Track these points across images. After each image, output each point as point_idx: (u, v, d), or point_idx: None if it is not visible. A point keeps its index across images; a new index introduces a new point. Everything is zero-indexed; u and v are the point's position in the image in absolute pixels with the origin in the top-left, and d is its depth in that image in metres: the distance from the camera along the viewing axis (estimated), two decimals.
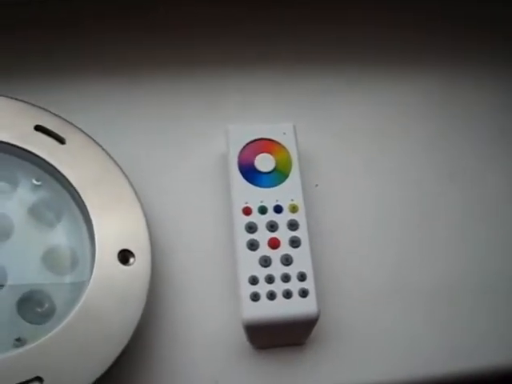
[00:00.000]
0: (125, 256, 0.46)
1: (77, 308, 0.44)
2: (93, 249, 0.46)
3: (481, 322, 0.52)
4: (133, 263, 0.46)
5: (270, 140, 0.51)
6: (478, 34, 0.64)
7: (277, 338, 0.49)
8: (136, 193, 0.49)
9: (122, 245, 0.46)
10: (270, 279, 0.46)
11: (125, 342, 0.44)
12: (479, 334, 0.52)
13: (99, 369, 0.42)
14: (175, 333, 0.49)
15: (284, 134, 0.52)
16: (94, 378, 0.42)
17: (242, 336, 0.48)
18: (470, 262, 0.55)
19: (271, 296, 0.45)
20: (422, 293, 0.53)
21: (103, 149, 0.50)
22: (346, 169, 0.57)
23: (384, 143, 0.59)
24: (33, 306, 0.46)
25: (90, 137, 0.50)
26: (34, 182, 0.49)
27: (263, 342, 0.49)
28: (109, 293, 0.45)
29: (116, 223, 0.47)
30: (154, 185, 0.53)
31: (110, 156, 0.50)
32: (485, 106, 0.62)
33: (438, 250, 0.55)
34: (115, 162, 0.50)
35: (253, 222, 0.48)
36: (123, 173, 0.49)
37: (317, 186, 0.55)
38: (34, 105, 0.50)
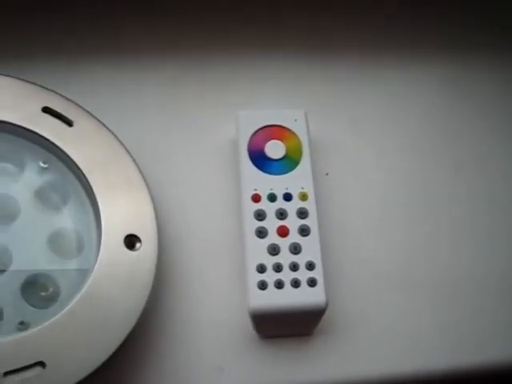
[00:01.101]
0: (131, 241, 0.45)
1: (81, 293, 0.43)
2: (99, 233, 0.45)
3: (487, 317, 0.52)
4: (139, 249, 0.45)
5: (280, 126, 0.50)
6: (488, 21, 0.63)
7: (284, 327, 0.48)
8: (144, 177, 0.48)
9: (129, 230, 0.46)
10: (278, 268, 0.45)
11: (128, 329, 0.43)
12: (485, 329, 0.51)
13: (102, 355, 0.42)
14: (181, 320, 0.49)
15: (295, 120, 0.51)
16: (96, 365, 0.41)
17: (248, 325, 0.48)
18: (477, 255, 0.54)
19: (279, 285, 0.45)
20: (428, 285, 0.52)
21: (111, 132, 0.49)
22: (356, 158, 0.56)
23: (396, 133, 0.58)
24: (37, 290, 0.45)
25: (99, 120, 0.49)
26: (41, 164, 0.48)
27: (270, 332, 0.48)
28: (114, 278, 0.44)
29: (123, 208, 0.46)
30: (162, 170, 0.53)
31: (118, 139, 0.49)
32: (498, 95, 0.61)
33: (444, 242, 0.54)
34: (123, 145, 0.49)
35: (262, 210, 0.47)
36: (131, 157, 0.49)
37: (327, 174, 0.54)
38: (42, 86, 0.49)
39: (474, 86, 0.61)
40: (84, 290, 0.43)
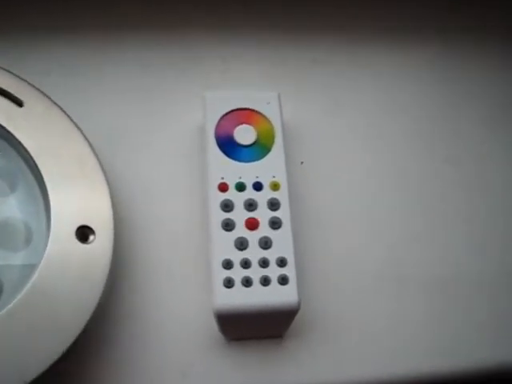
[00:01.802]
0: (84, 233, 0.42)
1: (26, 289, 0.39)
2: (48, 224, 0.41)
3: (481, 316, 0.48)
4: (92, 241, 0.41)
5: (251, 110, 0.46)
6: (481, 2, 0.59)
7: (252, 329, 0.44)
8: (100, 164, 0.44)
9: (81, 220, 0.42)
10: (245, 264, 0.41)
11: (79, 329, 0.39)
12: (478, 329, 0.48)
13: (48, 359, 0.38)
14: (140, 320, 0.45)
15: (268, 103, 0.47)
16: (42, 369, 0.38)
17: (215, 326, 0.44)
18: (470, 252, 0.50)
19: (247, 282, 0.41)
20: (416, 283, 0.48)
21: (66, 114, 0.45)
22: (335, 146, 0.52)
23: (378, 119, 0.54)
24: None
25: (52, 100, 0.45)
26: None
27: (237, 334, 0.45)
28: (64, 274, 0.40)
29: (76, 196, 0.42)
30: (123, 157, 0.49)
31: (72, 122, 0.45)
32: (488, 82, 0.57)
33: (434, 236, 0.50)
34: (79, 128, 0.45)
35: (229, 200, 0.43)
36: (87, 142, 0.45)
37: (302, 163, 0.51)
38: None
39: (470, 70, 0.57)
40: (29, 285, 0.39)
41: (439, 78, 0.56)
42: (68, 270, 0.40)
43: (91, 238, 0.41)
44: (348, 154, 0.52)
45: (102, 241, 0.41)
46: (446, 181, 0.53)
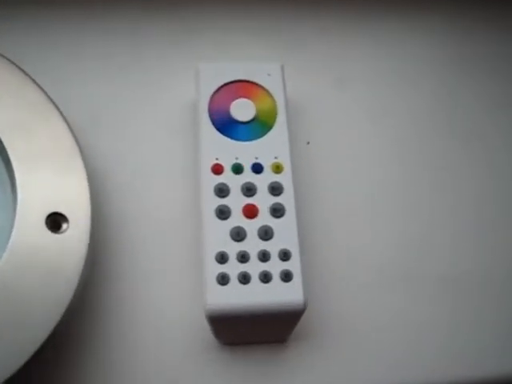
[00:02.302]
0: (55, 221, 0.36)
1: None
2: (14, 210, 0.36)
3: (495, 316, 0.43)
4: (65, 230, 0.36)
5: (250, 82, 0.41)
6: None
7: (250, 333, 0.39)
8: (77, 143, 0.39)
9: (53, 207, 0.36)
10: (243, 257, 0.36)
11: (48, 330, 0.34)
12: (492, 330, 0.42)
13: (13, 365, 0.33)
14: (122, 322, 0.40)
15: (268, 75, 0.41)
16: (6, 375, 0.32)
17: (207, 328, 0.38)
18: (483, 243, 0.45)
19: (244, 279, 0.36)
20: (427, 281, 0.43)
21: (38, 86, 0.40)
22: (345, 124, 0.47)
23: (390, 95, 0.49)
24: None
25: (22, 69, 0.40)
26: None
27: (232, 338, 0.39)
28: (30, 267, 0.35)
29: (47, 179, 0.37)
30: (104, 136, 0.44)
31: (46, 94, 0.39)
32: (505, 55, 0.51)
33: (447, 229, 0.45)
34: (54, 104, 0.39)
35: (224, 184, 0.38)
36: (63, 117, 0.39)
37: (308, 143, 0.45)
38: None
39: (485, 41, 0.52)
40: None
41: (452, 53, 0.51)
42: (36, 263, 0.35)
43: (64, 226, 0.36)
44: (359, 133, 0.47)
45: (77, 230, 0.36)
46: (457, 161, 0.47)
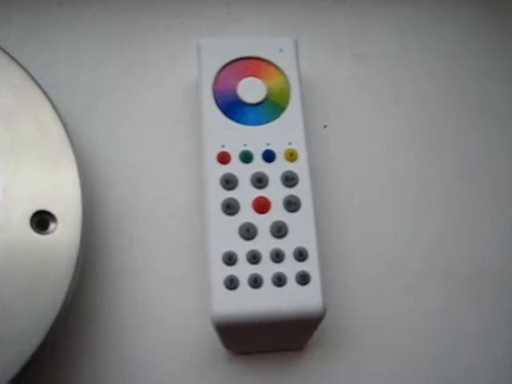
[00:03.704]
0: (42, 220, 0.32)
1: None
2: None
3: None
4: (53, 230, 0.32)
5: (259, 59, 0.37)
6: None
7: (263, 341, 0.35)
8: (67, 132, 0.35)
9: (39, 205, 0.32)
10: (253, 257, 0.32)
11: (36, 343, 0.30)
12: None
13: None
14: (120, 331, 0.36)
15: (280, 51, 0.37)
16: None
17: (216, 337, 0.34)
18: None
19: (255, 282, 0.31)
20: (462, 279, 0.39)
21: (24, 69, 0.36)
22: (364, 105, 0.42)
23: (416, 72, 0.44)
24: None
25: (6, 51, 0.36)
26: None
27: (243, 347, 0.35)
28: (14, 271, 0.31)
29: (32, 174, 0.33)
30: (97, 123, 0.40)
31: (31, 77, 0.35)
32: None
33: (484, 219, 0.40)
34: (41, 88, 0.35)
35: (231, 174, 0.33)
36: (51, 104, 0.35)
37: (325, 127, 0.41)
38: None
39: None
40: None
41: (484, 29, 0.46)
42: (20, 268, 0.31)
43: (52, 226, 0.32)
44: (382, 115, 0.42)
45: (66, 230, 0.32)
46: (493, 146, 0.43)
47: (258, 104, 0.35)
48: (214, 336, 0.33)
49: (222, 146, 0.34)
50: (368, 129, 0.42)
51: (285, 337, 0.34)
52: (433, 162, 0.41)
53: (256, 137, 0.35)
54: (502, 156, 0.42)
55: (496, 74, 0.45)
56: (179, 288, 0.36)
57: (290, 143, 0.34)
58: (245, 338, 0.34)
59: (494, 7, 0.47)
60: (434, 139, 0.42)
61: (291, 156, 0.34)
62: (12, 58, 0.36)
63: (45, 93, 0.35)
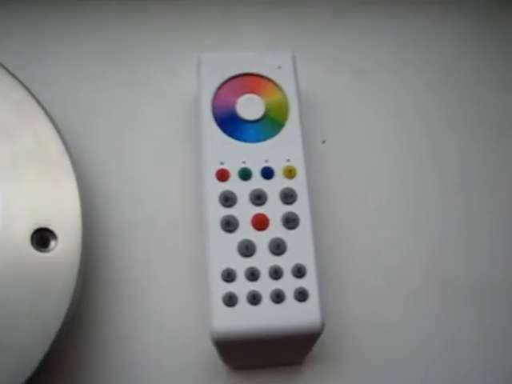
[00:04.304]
0: (43, 237, 0.33)
1: None
2: None
3: None
4: (54, 248, 0.32)
5: (258, 76, 0.37)
6: None
7: (262, 357, 0.35)
8: (66, 147, 0.35)
9: (40, 222, 0.33)
10: (252, 274, 0.32)
11: (35, 362, 0.30)
12: None
13: None
14: (119, 348, 0.36)
15: (279, 68, 0.37)
16: None
17: (215, 352, 0.34)
18: None
19: (254, 299, 0.32)
20: (462, 291, 0.39)
21: (21, 82, 0.36)
22: (364, 120, 0.42)
23: (415, 87, 0.44)
24: None
25: (4, 66, 0.36)
26: None
27: (242, 362, 0.36)
28: (14, 290, 0.31)
29: (33, 191, 0.33)
30: (96, 139, 0.40)
31: (30, 92, 0.36)
32: None
33: (483, 227, 0.41)
34: (37, 100, 0.36)
35: (230, 192, 0.34)
36: (49, 117, 0.35)
37: (323, 142, 0.41)
38: None
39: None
40: None
41: (485, 43, 0.47)
42: (21, 285, 0.31)
43: (52, 244, 0.33)
44: (381, 130, 0.42)
45: (67, 247, 0.33)
46: (493, 159, 0.43)
47: (257, 121, 0.36)
48: (213, 351, 0.34)
49: (221, 163, 0.34)
50: (366, 144, 0.42)
51: (284, 352, 0.35)
52: (432, 174, 0.42)
53: (255, 154, 0.35)
54: (501, 168, 0.43)
55: (495, 86, 0.45)
56: (179, 303, 0.36)
57: (289, 160, 0.35)
58: (244, 354, 0.34)
59: (493, 20, 0.47)
60: (433, 151, 0.42)
61: (290, 173, 0.34)
62: (11, 73, 0.36)
63: (43, 108, 0.36)
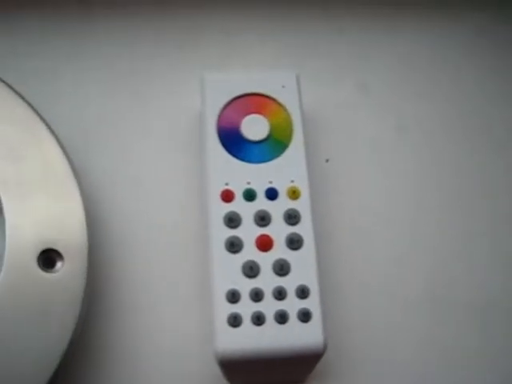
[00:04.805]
0: (49, 258, 0.33)
1: None
2: (3, 246, 0.32)
3: None
4: (60, 269, 0.33)
5: (262, 96, 0.37)
6: None
7: (266, 375, 0.35)
8: (72, 167, 0.35)
9: (46, 242, 0.33)
10: (256, 295, 0.33)
11: (45, 378, 0.30)
12: None
13: None
14: (122, 367, 0.36)
15: (283, 87, 0.38)
16: None
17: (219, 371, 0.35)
18: None
19: (258, 319, 0.32)
20: (464, 309, 0.39)
21: (27, 102, 0.36)
22: (368, 138, 0.42)
23: (419, 105, 0.44)
24: None
25: (9, 84, 0.36)
26: None
27: (246, 381, 0.36)
28: (21, 311, 0.31)
29: (39, 211, 0.33)
30: (100, 159, 0.40)
31: (33, 110, 0.36)
32: None
33: (488, 244, 0.41)
34: (43, 120, 0.36)
35: (235, 213, 0.34)
36: (55, 138, 0.36)
37: (327, 161, 0.41)
38: None
39: None
40: None
41: (487, 57, 0.47)
42: (27, 306, 0.31)
43: (58, 264, 0.33)
44: (386, 147, 0.43)
45: (73, 268, 0.33)
46: (495, 175, 0.43)
47: (262, 141, 0.36)
48: (217, 369, 0.34)
49: (226, 184, 0.35)
50: (371, 162, 0.42)
51: (287, 371, 0.35)
52: (433, 190, 0.42)
53: (259, 175, 0.35)
54: (501, 181, 0.43)
55: (495, 98, 0.45)
56: (183, 323, 0.37)
57: (293, 181, 0.35)
58: (248, 373, 0.34)
59: (492, 32, 0.47)
60: (434, 166, 0.42)
61: (293, 194, 0.35)
62: (15, 90, 0.36)
63: (49, 127, 0.36)
